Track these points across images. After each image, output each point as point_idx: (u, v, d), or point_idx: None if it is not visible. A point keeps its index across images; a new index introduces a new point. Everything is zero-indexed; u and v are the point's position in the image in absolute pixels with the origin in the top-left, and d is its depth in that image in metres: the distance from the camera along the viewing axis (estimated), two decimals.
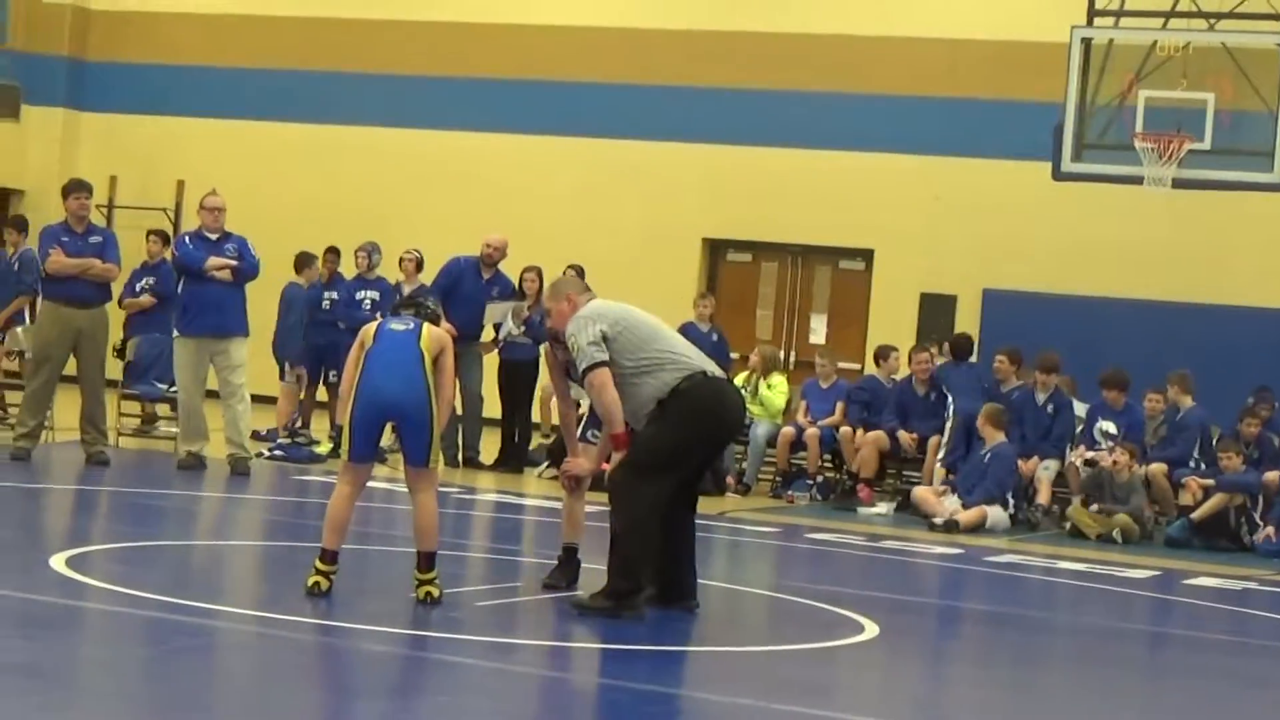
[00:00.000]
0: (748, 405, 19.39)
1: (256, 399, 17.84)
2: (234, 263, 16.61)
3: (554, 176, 25.27)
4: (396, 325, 10.42)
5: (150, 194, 27.16)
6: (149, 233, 21.15)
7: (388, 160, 26.13)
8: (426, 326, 10.37)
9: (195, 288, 16.63)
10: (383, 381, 10.18)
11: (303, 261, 21.13)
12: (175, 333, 16.91)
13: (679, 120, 25.04)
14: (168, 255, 19.42)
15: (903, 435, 18.87)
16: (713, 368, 10.63)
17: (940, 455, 18.45)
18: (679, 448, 10.44)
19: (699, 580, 10.87)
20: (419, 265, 19.98)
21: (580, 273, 19.52)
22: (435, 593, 10.18)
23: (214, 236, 16.77)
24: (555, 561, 11.24)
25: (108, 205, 26.77)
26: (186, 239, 16.94)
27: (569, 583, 11.06)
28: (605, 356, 10.31)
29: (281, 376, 20.56)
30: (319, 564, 10.16)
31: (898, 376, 19.67)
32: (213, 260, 16.56)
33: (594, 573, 10.89)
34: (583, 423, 11.43)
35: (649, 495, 10.29)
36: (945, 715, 9.03)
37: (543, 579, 11.19)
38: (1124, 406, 18.51)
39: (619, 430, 10.35)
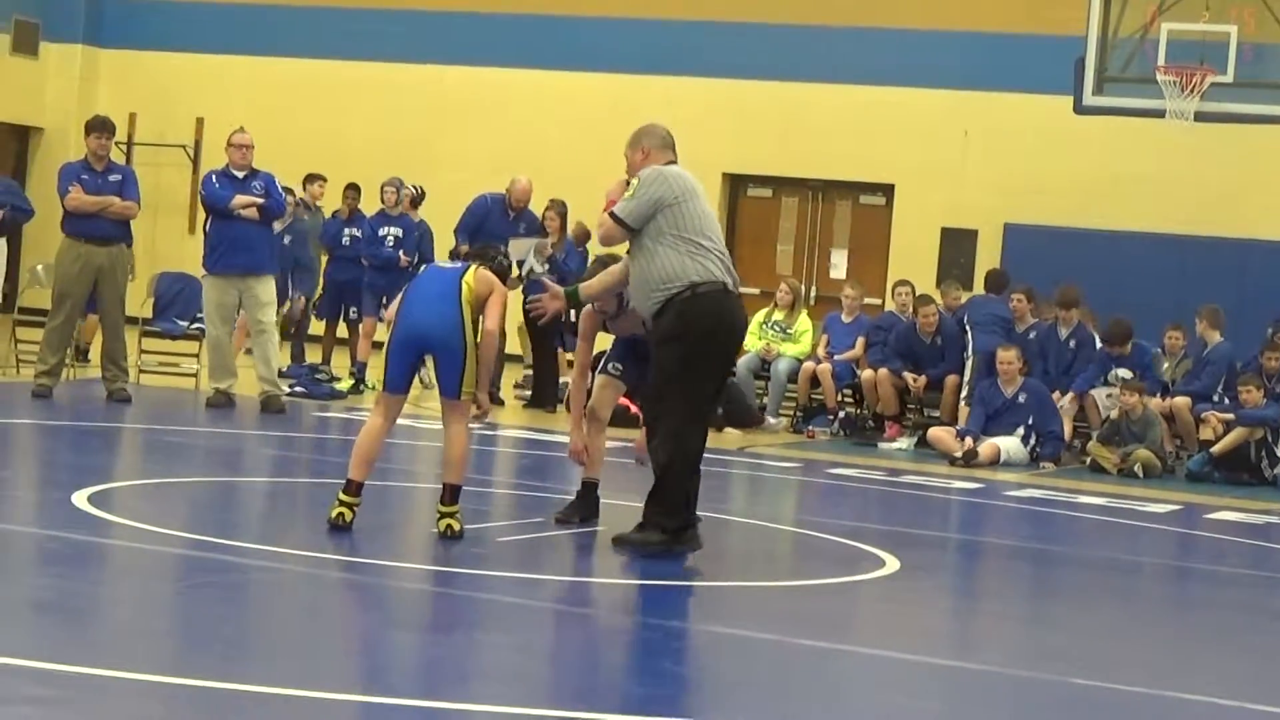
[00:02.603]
0: (770, 342, 19.40)
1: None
2: (260, 201, 16.62)
3: (576, 112, 25.19)
4: (444, 264, 10.51)
5: (169, 131, 27.16)
6: None
7: (408, 96, 26.08)
8: (476, 267, 10.35)
9: (223, 226, 16.62)
10: (417, 313, 10.23)
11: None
12: (203, 271, 16.91)
13: (701, 55, 24.96)
14: None
15: (909, 377, 18.77)
16: (734, 283, 10.44)
17: (963, 394, 18.37)
18: (703, 366, 10.18)
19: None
20: (414, 201, 19.90)
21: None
22: (456, 526, 10.18)
23: (241, 174, 16.77)
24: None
25: (127, 143, 26.75)
26: (213, 177, 16.92)
27: (583, 518, 11.02)
28: (635, 228, 10.22)
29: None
30: (343, 495, 10.17)
31: (910, 313, 19.52)
32: (239, 199, 16.55)
33: (612, 509, 10.91)
34: (604, 358, 11.35)
35: (696, 429, 10.21)
36: (967, 649, 9.03)
37: (555, 513, 11.17)
38: (1131, 348, 18.43)
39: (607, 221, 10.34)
